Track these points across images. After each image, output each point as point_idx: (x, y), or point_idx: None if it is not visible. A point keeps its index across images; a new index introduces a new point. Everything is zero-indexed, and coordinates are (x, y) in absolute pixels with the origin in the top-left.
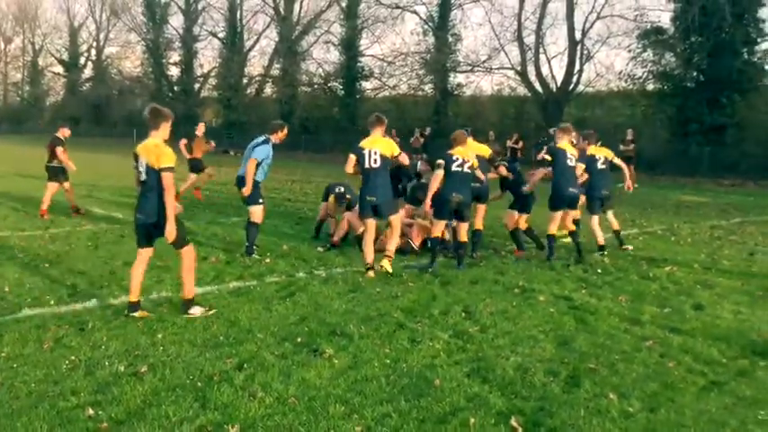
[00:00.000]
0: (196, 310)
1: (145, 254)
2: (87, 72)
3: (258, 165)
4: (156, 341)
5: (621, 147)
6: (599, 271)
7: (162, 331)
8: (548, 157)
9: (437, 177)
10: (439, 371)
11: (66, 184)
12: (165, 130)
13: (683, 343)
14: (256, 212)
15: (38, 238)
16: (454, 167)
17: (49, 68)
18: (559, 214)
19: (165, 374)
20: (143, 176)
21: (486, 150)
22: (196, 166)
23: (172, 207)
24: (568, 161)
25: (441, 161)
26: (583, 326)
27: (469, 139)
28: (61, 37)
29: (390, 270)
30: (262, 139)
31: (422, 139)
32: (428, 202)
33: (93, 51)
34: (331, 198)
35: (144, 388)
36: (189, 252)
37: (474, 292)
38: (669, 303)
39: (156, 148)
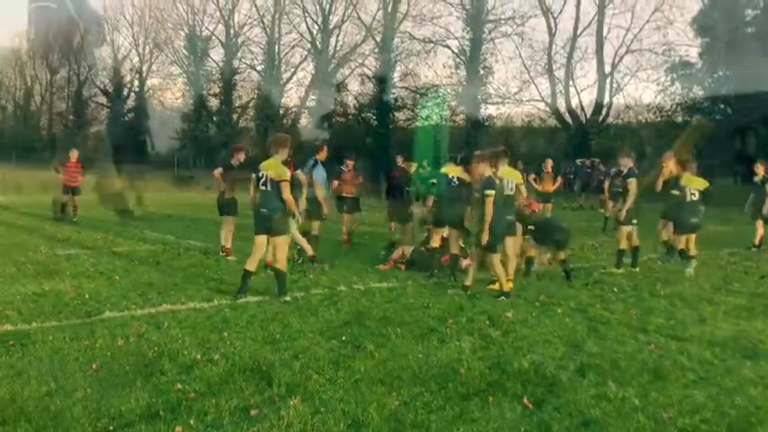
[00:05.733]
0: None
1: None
2: (130, 102)
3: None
4: (223, 337)
5: None
6: (615, 290)
7: (227, 330)
8: None
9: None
10: (464, 364)
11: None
12: None
13: (681, 347)
14: (317, 226)
15: (103, 254)
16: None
17: (92, 99)
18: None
19: (235, 360)
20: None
21: None
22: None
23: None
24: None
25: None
26: (594, 333)
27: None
28: (105, 69)
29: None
30: (312, 162)
31: None
32: None
33: (136, 83)
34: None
35: (219, 370)
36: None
37: (498, 305)
38: (675, 316)
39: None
